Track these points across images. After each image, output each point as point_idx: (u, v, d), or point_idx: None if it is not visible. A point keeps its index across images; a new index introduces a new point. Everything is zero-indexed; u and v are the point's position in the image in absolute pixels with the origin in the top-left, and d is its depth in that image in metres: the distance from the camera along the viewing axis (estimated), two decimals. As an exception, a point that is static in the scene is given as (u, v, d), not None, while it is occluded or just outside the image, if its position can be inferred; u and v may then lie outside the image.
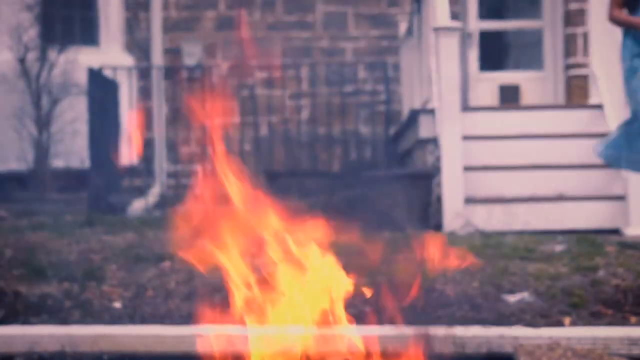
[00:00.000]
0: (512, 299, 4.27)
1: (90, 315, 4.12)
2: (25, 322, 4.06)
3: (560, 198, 6.86)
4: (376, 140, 9.21)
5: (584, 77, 8.73)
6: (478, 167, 6.96)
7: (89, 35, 9.29)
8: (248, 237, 2.26)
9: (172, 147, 8.95)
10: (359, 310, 3.48)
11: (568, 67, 8.98)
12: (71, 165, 8.47)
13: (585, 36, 8.67)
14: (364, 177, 8.41)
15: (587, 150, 7.22)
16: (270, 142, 9.18)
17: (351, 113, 9.36)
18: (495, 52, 9.93)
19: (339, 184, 8.55)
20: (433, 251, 2.96)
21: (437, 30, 6.73)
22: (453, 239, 5.64)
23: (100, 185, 7.78)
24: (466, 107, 7.41)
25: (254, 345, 2.87)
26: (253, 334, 2.88)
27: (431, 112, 6.98)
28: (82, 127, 8.17)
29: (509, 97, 9.22)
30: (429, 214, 6.73)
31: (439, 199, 6.67)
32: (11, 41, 8.50)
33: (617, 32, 6.81)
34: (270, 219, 2.26)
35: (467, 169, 6.78)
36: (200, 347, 3.63)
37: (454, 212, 6.52)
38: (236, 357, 3.18)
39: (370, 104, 9.37)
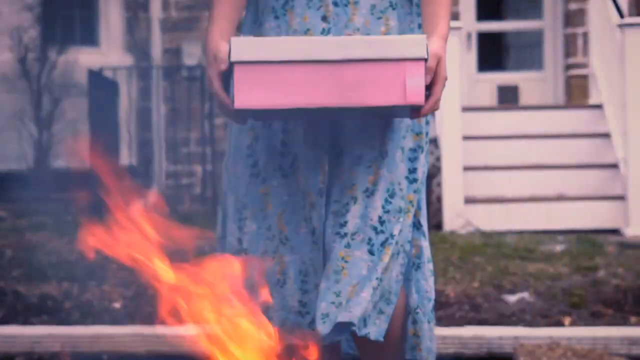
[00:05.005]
0: (512, 299, 4.27)
1: (90, 315, 4.12)
2: (25, 322, 4.06)
3: (560, 198, 6.86)
4: (376, 140, 9.20)
5: (584, 77, 8.73)
6: (478, 167, 6.96)
7: (89, 35, 9.29)
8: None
9: (171, 147, 8.95)
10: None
11: (568, 67, 8.98)
12: (71, 165, 8.47)
13: (585, 36, 8.67)
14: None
15: (587, 150, 7.23)
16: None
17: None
18: (493, 53, 9.93)
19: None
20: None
21: (437, 30, 6.72)
22: (454, 239, 5.64)
23: (100, 185, 7.77)
24: (466, 108, 7.41)
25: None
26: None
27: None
28: (82, 127, 8.17)
29: (508, 98, 9.22)
30: (429, 214, 6.74)
31: (439, 199, 6.67)
32: (11, 41, 8.50)
33: (617, 32, 6.82)
34: None
35: (467, 169, 6.78)
36: (200, 347, 3.62)
37: (454, 212, 6.52)
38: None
39: (370, 104, 9.35)
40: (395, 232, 2.10)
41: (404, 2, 2.17)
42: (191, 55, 8.97)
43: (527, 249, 5.23)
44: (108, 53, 9.12)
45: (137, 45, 9.20)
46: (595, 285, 4.40)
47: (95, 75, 8.11)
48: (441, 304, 4.11)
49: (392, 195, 2.10)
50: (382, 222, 2.09)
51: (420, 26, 2.18)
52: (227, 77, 2.02)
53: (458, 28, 6.79)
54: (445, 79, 2.06)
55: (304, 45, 1.91)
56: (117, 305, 4.24)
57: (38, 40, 8.68)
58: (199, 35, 9.20)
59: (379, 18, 2.11)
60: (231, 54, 1.91)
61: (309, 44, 1.92)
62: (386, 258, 2.08)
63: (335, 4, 2.09)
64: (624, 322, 4.00)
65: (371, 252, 2.08)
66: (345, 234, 2.08)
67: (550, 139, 7.30)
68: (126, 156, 8.61)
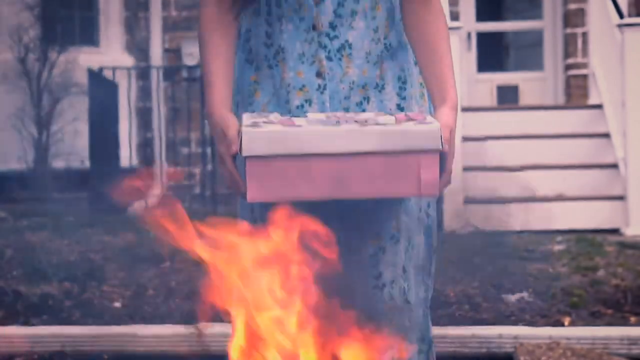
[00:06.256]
0: (512, 298, 4.27)
1: (90, 315, 4.12)
2: (25, 322, 4.06)
3: (560, 198, 6.86)
4: (376, 140, 9.19)
5: (584, 77, 8.74)
6: (478, 167, 6.96)
7: (89, 35, 9.29)
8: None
9: (171, 147, 8.95)
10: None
11: (568, 67, 8.99)
12: (71, 165, 8.48)
13: (585, 36, 8.67)
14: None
15: (587, 150, 7.24)
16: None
17: (351, 113, 9.35)
18: (493, 53, 9.93)
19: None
20: None
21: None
22: (453, 239, 5.64)
23: (101, 185, 7.78)
24: (466, 108, 7.41)
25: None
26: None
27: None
28: (83, 127, 8.18)
29: (508, 98, 9.23)
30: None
31: (438, 199, 6.66)
32: (11, 41, 8.51)
33: (617, 32, 6.82)
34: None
35: (467, 169, 6.78)
36: (200, 347, 3.63)
37: (454, 212, 6.52)
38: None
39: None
40: (415, 283, 2.13)
41: (398, 41, 2.12)
42: (191, 55, 8.97)
43: (527, 249, 5.23)
44: (108, 53, 9.13)
45: (137, 45, 9.21)
46: (594, 285, 4.40)
47: (95, 75, 8.11)
48: (441, 304, 4.11)
49: (412, 246, 2.12)
50: (405, 271, 2.11)
51: (416, 63, 2.12)
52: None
53: (458, 28, 6.79)
54: (454, 154, 1.96)
55: (317, 138, 1.84)
56: (117, 305, 4.24)
57: (38, 40, 8.69)
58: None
59: (375, 63, 2.08)
60: (243, 149, 1.83)
61: (322, 136, 1.85)
62: (416, 307, 2.13)
63: (329, 59, 2.05)
64: (624, 322, 4.00)
65: (408, 301, 2.12)
66: (384, 285, 2.10)
67: (550, 139, 7.31)
68: (126, 156, 8.61)
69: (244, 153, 1.83)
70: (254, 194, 1.85)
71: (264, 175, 1.84)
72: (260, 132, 1.84)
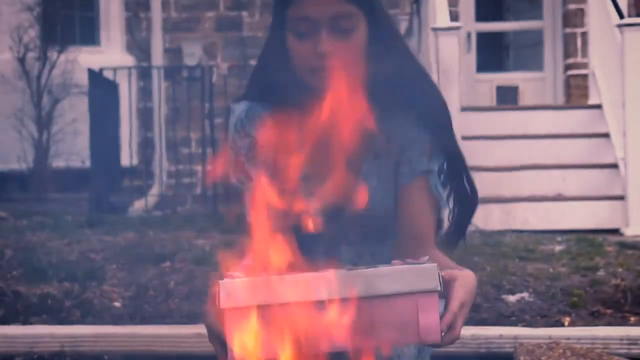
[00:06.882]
0: (511, 298, 4.28)
1: (90, 315, 4.12)
2: (25, 322, 4.07)
3: (560, 198, 6.86)
4: (376, 140, 9.19)
5: (584, 77, 8.74)
6: (477, 167, 6.96)
7: (89, 35, 9.30)
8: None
9: (172, 147, 8.95)
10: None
11: (567, 67, 8.99)
12: (72, 165, 8.48)
13: (584, 36, 8.68)
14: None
15: (586, 150, 7.24)
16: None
17: (351, 113, 9.33)
18: (493, 53, 9.94)
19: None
20: None
21: (436, 30, 6.73)
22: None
23: (101, 185, 7.79)
24: (465, 108, 7.41)
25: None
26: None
27: (431, 112, 6.97)
28: (83, 127, 8.18)
29: (508, 98, 9.23)
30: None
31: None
32: (12, 41, 8.51)
33: (617, 32, 6.82)
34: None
35: (467, 169, 6.78)
36: (201, 347, 3.63)
37: (454, 212, 6.51)
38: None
39: (370, 104, 9.34)
40: None
41: None
42: (191, 55, 8.98)
43: (527, 249, 5.23)
44: (108, 53, 9.13)
45: (137, 45, 9.21)
46: (594, 285, 4.40)
47: (95, 75, 8.12)
48: (441, 304, 4.11)
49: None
50: None
51: None
52: None
53: (458, 28, 6.79)
54: (463, 302, 1.73)
55: (299, 284, 1.64)
56: (117, 305, 4.25)
57: (38, 40, 8.69)
58: (199, 35, 9.21)
59: None
60: (221, 300, 1.65)
61: (305, 282, 1.65)
62: None
63: None
64: (624, 322, 4.00)
65: None
66: None
67: (550, 139, 7.31)
68: (127, 156, 8.62)
69: (222, 305, 1.65)
70: (237, 351, 1.66)
71: (244, 327, 1.64)
72: (236, 282, 1.65)
